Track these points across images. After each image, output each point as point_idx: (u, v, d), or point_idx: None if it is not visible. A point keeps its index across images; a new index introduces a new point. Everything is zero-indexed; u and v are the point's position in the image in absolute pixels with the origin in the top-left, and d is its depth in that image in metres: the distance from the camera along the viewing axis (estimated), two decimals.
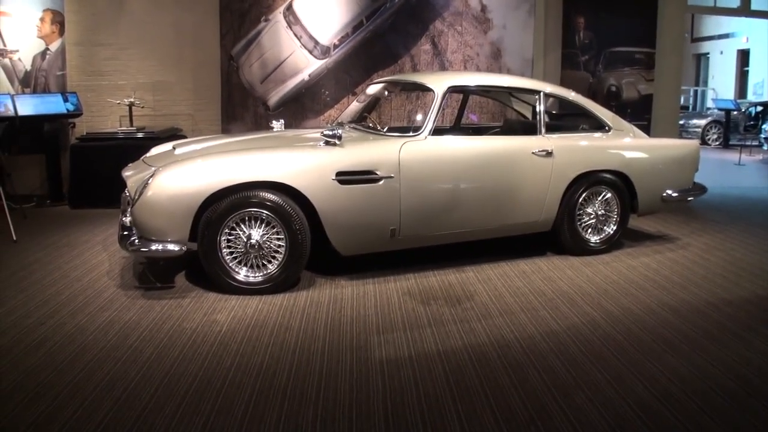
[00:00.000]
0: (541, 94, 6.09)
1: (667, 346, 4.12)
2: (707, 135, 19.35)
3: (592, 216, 6.18)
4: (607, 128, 6.39)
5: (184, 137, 8.01)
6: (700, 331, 4.38)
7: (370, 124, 5.94)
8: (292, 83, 9.27)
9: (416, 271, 5.62)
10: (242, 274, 4.98)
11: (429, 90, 5.73)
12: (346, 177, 5.05)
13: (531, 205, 5.88)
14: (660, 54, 10.03)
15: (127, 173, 5.49)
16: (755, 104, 19.82)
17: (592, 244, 6.22)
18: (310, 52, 9.23)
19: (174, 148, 5.82)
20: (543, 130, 5.98)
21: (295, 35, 9.20)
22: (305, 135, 6.10)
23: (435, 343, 4.12)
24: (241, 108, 9.29)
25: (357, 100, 6.83)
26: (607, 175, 6.15)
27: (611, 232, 6.30)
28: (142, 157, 5.82)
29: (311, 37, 9.21)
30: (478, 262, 5.91)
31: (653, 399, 3.44)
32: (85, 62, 9.35)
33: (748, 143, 16.53)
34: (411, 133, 5.46)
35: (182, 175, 4.82)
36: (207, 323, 4.44)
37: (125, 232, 4.99)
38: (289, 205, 4.92)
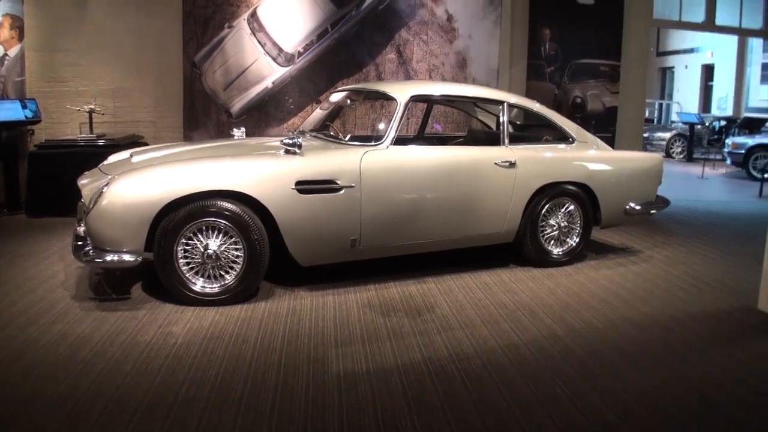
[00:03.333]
0: (505, 104, 6.06)
1: (629, 361, 4.09)
2: (671, 148, 19.49)
3: (554, 228, 6.15)
4: (570, 140, 6.37)
5: (146, 144, 7.87)
6: (662, 345, 4.35)
7: (332, 133, 5.87)
8: (255, 91, 9.12)
9: (377, 282, 5.54)
10: (199, 284, 4.87)
11: (392, 99, 5.67)
12: (306, 186, 4.96)
13: (493, 216, 5.83)
14: (625, 67, 10.07)
15: (82, 182, 5.36)
16: (719, 119, 20.08)
17: (554, 256, 6.19)
18: (274, 59, 9.10)
19: (131, 156, 5.70)
20: (506, 140, 5.94)
21: (259, 42, 9.06)
22: (266, 143, 6.01)
23: (394, 356, 4.05)
24: (204, 115, 9.14)
25: (320, 108, 6.75)
26: (571, 187, 6.13)
27: (574, 244, 6.27)
28: (99, 166, 5.68)
29: (275, 45, 9.08)
30: (440, 273, 5.86)
31: (614, 415, 3.39)
32: (45, 68, 9.14)
33: (712, 157, 16.69)
34: (373, 143, 5.39)
35: (138, 184, 4.70)
36: (162, 336, 4.32)
37: (80, 242, 4.86)
38: (247, 215, 4.82)
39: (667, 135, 19.82)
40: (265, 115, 9.22)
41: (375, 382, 3.69)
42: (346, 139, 5.67)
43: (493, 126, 7.17)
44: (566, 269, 6.13)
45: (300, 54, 9.17)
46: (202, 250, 4.81)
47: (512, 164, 5.80)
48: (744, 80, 22.42)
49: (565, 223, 6.19)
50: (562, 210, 6.16)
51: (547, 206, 6.05)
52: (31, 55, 9.05)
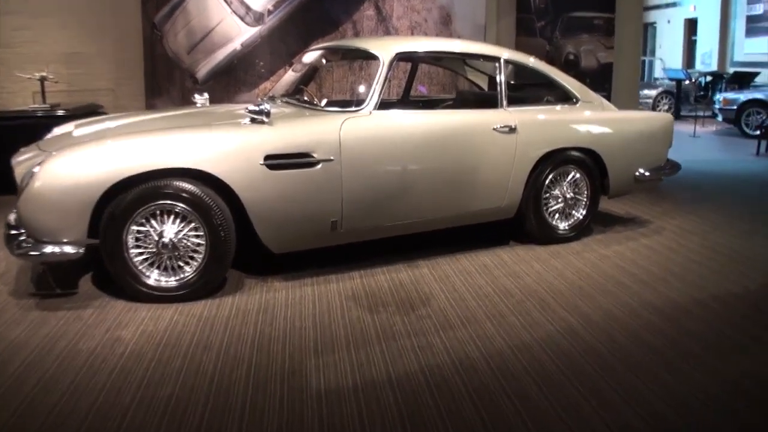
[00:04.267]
0: (501, 60, 5.36)
1: (657, 357, 3.49)
2: (658, 106, 18.91)
3: (559, 200, 5.49)
4: (574, 100, 5.70)
5: (104, 114, 7.14)
6: (692, 337, 3.73)
7: (306, 98, 5.14)
8: (222, 53, 8.45)
9: (362, 268, 4.87)
10: (153, 278, 4.19)
11: (374, 57, 4.94)
12: (276, 161, 4.26)
13: (493, 188, 5.16)
14: (620, 19, 9.37)
15: (17, 159, 4.63)
16: (705, 74, 19.50)
17: (560, 232, 5.54)
18: (242, 18, 8.40)
19: (75, 128, 4.97)
20: (505, 102, 5.25)
21: (225, 0, 8.35)
22: (233, 111, 5.29)
23: (385, 364, 3.40)
24: (167, 81, 8.46)
25: (293, 70, 6.00)
26: (576, 153, 5.47)
27: (581, 217, 5.62)
28: (38, 141, 4.94)
29: (242, 2, 8.38)
30: (433, 254, 5.19)
31: (647, 427, 2.79)
32: None
33: (700, 114, 16.10)
34: (353, 108, 4.68)
35: (76, 163, 3.98)
36: (109, 341, 3.66)
37: (12, 232, 4.13)
38: (208, 196, 4.13)
39: (653, 92, 19.21)
40: (234, 79, 8.56)
41: (363, 400, 3.05)
42: (323, 104, 4.94)
43: (484, 86, 6.47)
44: (573, 246, 5.48)
45: (270, 12, 8.49)
46: (157, 238, 4.13)
47: (512, 129, 5.12)
48: (729, 34, 21.92)
49: (571, 194, 5.53)
50: (567, 179, 5.50)
51: (551, 176, 5.38)
52: None
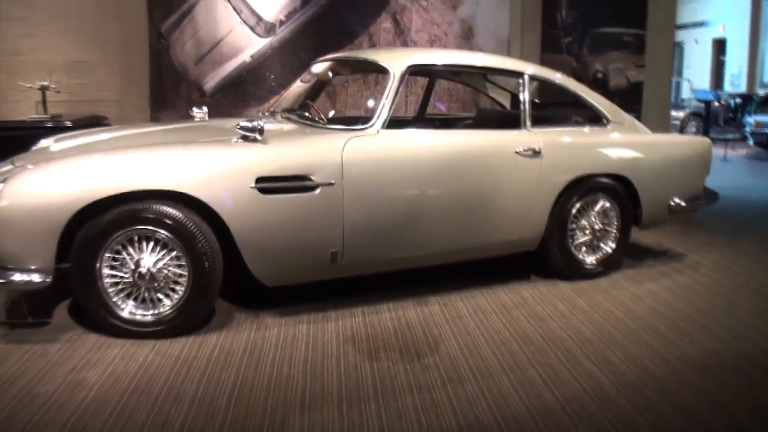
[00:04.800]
0: (525, 76, 4.87)
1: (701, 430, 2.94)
2: (686, 128, 18.38)
3: (587, 231, 4.97)
4: (604, 121, 5.19)
5: (109, 126, 6.77)
6: (741, 401, 3.19)
7: (307, 114, 4.66)
8: (231, 65, 8.10)
9: (365, 304, 4.37)
10: (127, 310, 3.72)
11: (384, 70, 4.46)
12: (269, 184, 3.79)
13: (514, 218, 4.66)
14: (651, 36, 8.87)
15: None
16: (734, 96, 18.95)
17: (587, 267, 5.02)
18: (252, 29, 8.05)
19: (54, 142, 4.55)
20: (528, 122, 4.76)
21: (235, 9, 8.01)
22: (231, 127, 4.82)
23: (380, 426, 2.89)
24: (174, 93, 8.10)
25: (301, 80, 5.52)
26: (606, 180, 4.96)
27: (610, 250, 5.10)
28: (13, 156, 4.50)
29: (253, 12, 8.03)
30: (445, 289, 4.68)
31: None
32: None
33: (730, 137, 15.53)
34: (359, 126, 4.20)
35: (43, 181, 3.54)
36: (71, 384, 3.22)
37: None
38: (192, 222, 3.66)
39: (681, 114, 18.70)
40: (242, 93, 8.20)
41: None
42: (326, 121, 4.47)
43: (507, 105, 5.97)
44: (601, 283, 4.95)
45: (282, 22, 8.13)
46: (133, 267, 3.67)
47: (536, 152, 4.62)
48: (758, 54, 21.44)
49: (600, 225, 5.01)
50: (596, 208, 4.99)
51: (578, 205, 4.88)
52: None
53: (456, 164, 4.41)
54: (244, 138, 3.87)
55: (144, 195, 3.62)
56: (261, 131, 3.84)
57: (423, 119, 6.09)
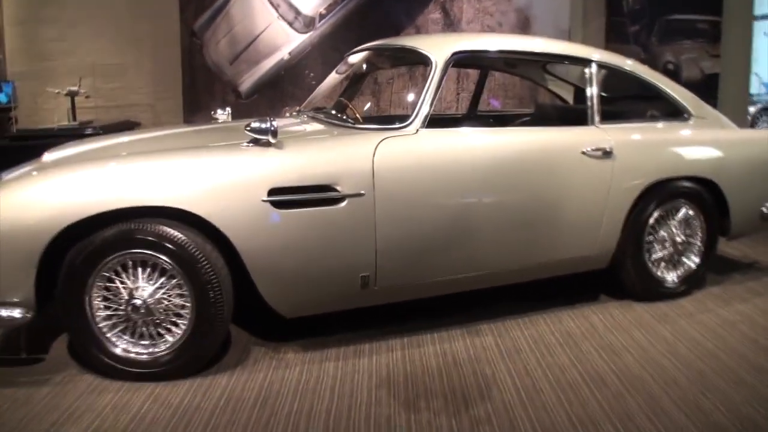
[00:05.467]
0: (593, 64, 4.20)
1: None
2: (757, 124, 17.53)
3: (667, 244, 4.27)
4: (685, 115, 4.49)
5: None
6: None
7: (336, 113, 4.06)
8: (268, 64, 7.75)
9: (405, 333, 3.75)
10: (122, 347, 3.18)
11: (424, 58, 3.82)
12: (285, 197, 3.20)
13: (581, 231, 4.00)
14: (727, 23, 8.13)
15: None
16: None
17: (667, 285, 4.32)
18: (290, 24, 7.67)
19: (47, 152, 4.06)
20: (597, 118, 4.09)
21: (272, 4, 7.65)
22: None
23: None
24: (208, 95, 7.81)
25: (336, 71, 4.93)
26: (689, 184, 4.27)
27: (694, 266, 4.39)
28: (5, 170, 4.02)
29: (291, 6, 7.66)
30: (499, 314, 4.03)
31: None
32: (28, 44, 8.05)
33: None
34: (394, 125, 3.57)
35: (15, 203, 3.01)
36: None
37: None
38: (193, 244, 3.08)
39: (752, 109, 17.82)
40: (280, 93, 7.82)
41: None
42: (359, 121, 3.85)
43: (570, 100, 5.29)
44: (684, 305, 4.24)
45: (322, 17, 7.74)
46: (127, 297, 3.11)
47: (607, 153, 3.94)
48: None
49: (682, 236, 4.31)
50: (677, 217, 4.29)
51: (656, 213, 4.19)
52: (11, 29, 7.99)
53: (510, 168, 3.76)
54: (255, 142, 3.27)
55: (137, 213, 3.07)
56: (274, 133, 3.22)
57: (474, 116, 5.43)
